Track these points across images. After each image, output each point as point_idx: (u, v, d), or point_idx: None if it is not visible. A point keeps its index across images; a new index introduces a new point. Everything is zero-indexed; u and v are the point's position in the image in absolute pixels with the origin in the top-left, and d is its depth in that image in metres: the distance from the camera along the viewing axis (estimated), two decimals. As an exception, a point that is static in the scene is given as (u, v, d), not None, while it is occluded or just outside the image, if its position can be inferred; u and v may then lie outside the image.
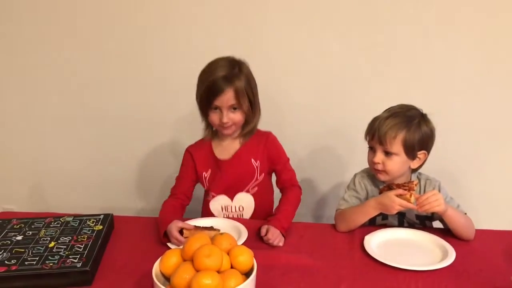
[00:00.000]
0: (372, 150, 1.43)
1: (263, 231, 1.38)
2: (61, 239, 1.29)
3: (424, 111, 1.45)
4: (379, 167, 1.40)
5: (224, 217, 1.59)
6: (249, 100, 1.47)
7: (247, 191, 1.58)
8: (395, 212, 1.32)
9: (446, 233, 1.38)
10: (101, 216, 1.44)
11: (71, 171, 2.34)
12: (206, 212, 1.62)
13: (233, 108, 1.45)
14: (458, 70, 1.95)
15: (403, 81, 1.98)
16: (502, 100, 1.95)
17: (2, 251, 1.22)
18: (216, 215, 1.59)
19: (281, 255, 1.28)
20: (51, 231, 1.34)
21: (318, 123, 2.10)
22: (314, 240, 1.39)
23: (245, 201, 1.59)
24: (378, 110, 1.49)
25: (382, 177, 1.43)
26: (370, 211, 1.37)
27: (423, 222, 1.46)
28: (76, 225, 1.38)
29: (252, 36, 1.97)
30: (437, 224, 1.46)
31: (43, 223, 1.39)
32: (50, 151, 2.32)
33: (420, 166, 1.45)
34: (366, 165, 1.51)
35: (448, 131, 1.89)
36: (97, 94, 2.18)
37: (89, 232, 1.33)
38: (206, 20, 1.97)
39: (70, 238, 1.30)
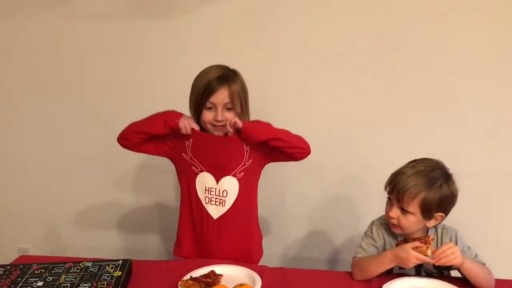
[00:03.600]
0: (390, 202, 1.44)
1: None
2: (81, 285, 1.30)
3: (437, 155, 1.45)
4: (394, 221, 1.41)
5: (206, 201, 1.58)
6: (242, 105, 1.55)
7: (234, 175, 1.58)
8: (411, 265, 1.32)
9: (465, 282, 1.37)
10: (120, 262, 1.45)
11: (86, 211, 2.38)
12: (192, 185, 1.59)
13: (228, 108, 1.52)
14: (471, 114, 1.97)
15: (418, 127, 2.01)
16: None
17: (24, 297, 1.24)
18: (199, 194, 1.59)
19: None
20: (71, 276, 1.36)
21: (332, 170, 2.12)
22: (331, 288, 1.39)
23: (229, 186, 1.58)
24: (393, 157, 1.51)
25: (395, 230, 1.44)
26: (386, 263, 1.37)
27: (441, 271, 1.45)
28: (95, 270, 1.39)
29: (264, 80, 2.02)
30: (455, 273, 1.45)
31: (63, 268, 1.41)
32: (65, 191, 2.36)
33: (437, 224, 1.45)
34: (381, 213, 1.52)
35: (463, 176, 1.90)
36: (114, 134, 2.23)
37: (108, 279, 1.34)
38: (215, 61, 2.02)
39: (90, 284, 1.31)
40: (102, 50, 2.16)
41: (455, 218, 1.57)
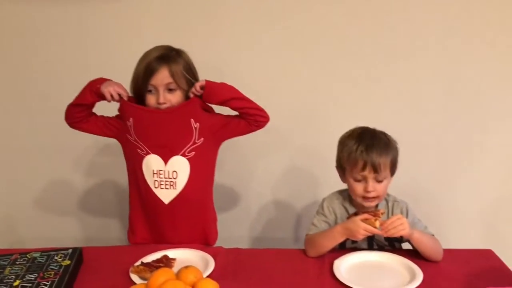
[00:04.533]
0: (360, 180, 1.41)
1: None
2: (27, 276, 1.26)
3: (394, 130, 1.48)
4: (373, 194, 1.40)
5: (155, 185, 1.53)
6: (189, 85, 1.50)
7: (183, 155, 1.53)
8: (361, 237, 1.34)
9: (415, 254, 1.39)
10: (70, 251, 1.41)
11: (43, 201, 2.32)
12: (139, 169, 1.54)
13: (169, 89, 1.47)
14: (425, 90, 2.02)
15: (372, 100, 2.04)
16: (468, 119, 2.02)
17: (-35, 292, 1.19)
18: (147, 179, 1.54)
19: (250, 285, 1.28)
20: (17, 268, 1.31)
21: (290, 144, 2.13)
22: (284, 267, 1.39)
23: (179, 166, 1.52)
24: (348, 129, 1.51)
25: (373, 203, 1.43)
26: (337, 236, 1.38)
27: (392, 243, 1.47)
28: (43, 261, 1.35)
29: (223, 60, 2.00)
30: (406, 245, 1.48)
31: (9, 260, 1.36)
32: (20, 182, 2.29)
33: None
34: (339, 184, 1.52)
35: (416, 150, 1.94)
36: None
37: (56, 268, 1.30)
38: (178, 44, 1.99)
39: (37, 275, 1.27)
40: (47, 34, 2.09)
41: (408, 189, 1.61)
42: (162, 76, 1.45)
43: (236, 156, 2.09)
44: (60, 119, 2.12)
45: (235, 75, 1.96)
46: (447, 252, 1.40)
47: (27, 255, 1.39)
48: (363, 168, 1.39)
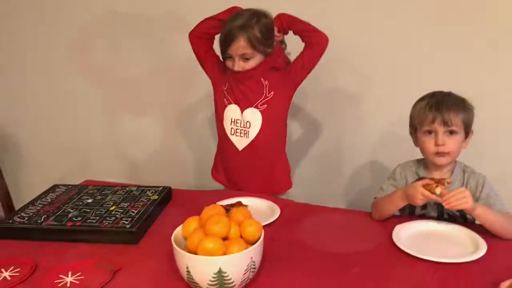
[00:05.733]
0: (430, 134, 1.39)
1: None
2: (121, 204, 1.51)
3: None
4: (444, 149, 1.36)
5: (231, 132, 1.71)
6: (267, 46, 1.60)
7: (256, 107, 1.67)
8: (420, 202, 1.30)
9: (485, 229, 1.31)
10: (160, 188, 1.63)
11: (164, 150, 2.60)
12: (221, 116, 1.73)
13: (245, 58, 1.59)
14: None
15: (457, 71, 1.93)
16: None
17: (74, 210, 1.47)
18: (225, 126, 1.72)
19: (305, 236, 1.35)
20: (116, 197, 1.56)
21: (386, 115, 2.10)
22: (347, 225, 1.43)
23: (253, 116, 1.68)
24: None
25: (444, 160, 1.39)
26: (397, 200, 1.37)
27: (463, 214, 1.40)
28: (137, 194, 1.59)
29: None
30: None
31: (112, 190, 1.63)
32: (144, 133, 2.60)
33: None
34: None
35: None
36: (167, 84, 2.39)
37: (145, 201, 1.53)
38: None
39: (129, 204, 1.51)
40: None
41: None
42: (238, 46, 1.56)
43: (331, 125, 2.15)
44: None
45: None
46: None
47: (127, 188, 1.64)
48: (433, 121, 1.36)
